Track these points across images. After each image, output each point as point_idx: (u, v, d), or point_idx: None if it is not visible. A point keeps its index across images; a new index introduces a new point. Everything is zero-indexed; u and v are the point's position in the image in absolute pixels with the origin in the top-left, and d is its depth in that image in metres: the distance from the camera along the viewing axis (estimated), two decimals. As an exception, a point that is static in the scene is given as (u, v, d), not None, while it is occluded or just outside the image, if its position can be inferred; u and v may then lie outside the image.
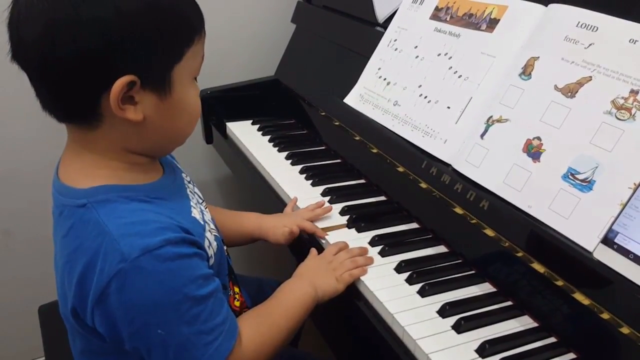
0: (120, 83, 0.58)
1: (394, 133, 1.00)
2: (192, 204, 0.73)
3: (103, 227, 0.60)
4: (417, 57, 1.02)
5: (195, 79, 0.69)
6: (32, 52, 0.58)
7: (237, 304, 0.83)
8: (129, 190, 0.64)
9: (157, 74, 0.61)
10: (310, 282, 0.81)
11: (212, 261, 0.70)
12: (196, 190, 0.80)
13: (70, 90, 0.60)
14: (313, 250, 0.89)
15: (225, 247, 0.84)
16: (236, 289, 0.84)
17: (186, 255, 0.62)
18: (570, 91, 0.74)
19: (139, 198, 0.64)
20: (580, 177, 0.70)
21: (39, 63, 0.58)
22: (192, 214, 0.70)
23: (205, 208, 0.79)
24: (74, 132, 0.65)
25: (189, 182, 0.79)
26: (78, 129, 0.64)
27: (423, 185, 0.91)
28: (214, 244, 0.72)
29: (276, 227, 0.94)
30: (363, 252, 0.86)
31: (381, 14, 1.17)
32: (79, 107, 0.61)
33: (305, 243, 0.94)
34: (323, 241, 0.92)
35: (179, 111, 0.66)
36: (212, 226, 0.76)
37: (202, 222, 0.71)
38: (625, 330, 0.62)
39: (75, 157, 0.66)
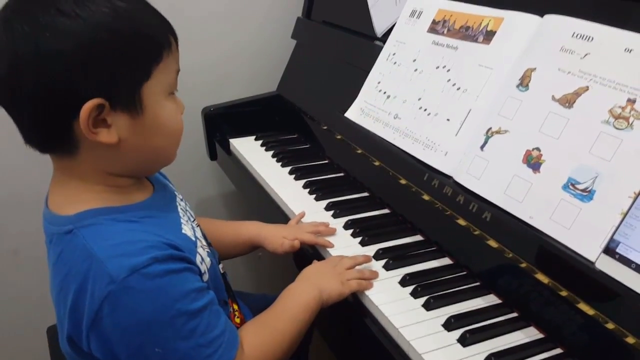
0: (87, 108, 0.58)
1: (395, 146, 1.00)
2: (182, 221, 0.73)
3: (89, 251, 0.60)
4: (415, 70, 1.03)
5: (174, 94, 0.68)
6: (2, 88, 0.59)
7: (237, 320, 0.82)
8: (115, 212, 0.65)
9: (126, 94, 0.61)
10: (315, 284, 0.80)
11: (206, 277, 0.70)
12: (188, 208, 0.80)
13: (42, 122, 0.61)
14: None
15: (221, 265, 0.84)
16: (235, 306, 0.84)
17: (175, 270, 0.62)
18: (567, 101, 0.75)
19: (125, 219, 0.64)
20: (581, 187, 0.70)
21: (10, 98, 0.60)
22: (183, 231, 0.71)
23: (197, 226, 0.79)
24: (57, 161, 0.66)
25: (181, 200, 0.79)
26: (59, 157, 0.65)
27: (425, 197, 0.91)
28: (207, 259, 0.72)
29: (275, 236, 0.94)
30: (367, 259, 0.86)
31: (380, 28, 1.19)
32: (53, 136, 0.62)
33: (311, 259, 0.94)
34: (328, 250, 0.92)
35: (155, 129, 0.65)
36: (204, 243, 0.76)
37: (193, 239, 0.71)
38: (630, 340, 0.62)
39: (61, 186, 0.67)
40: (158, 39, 0.64)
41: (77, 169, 0.65)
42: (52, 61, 0.57)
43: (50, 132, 0.62)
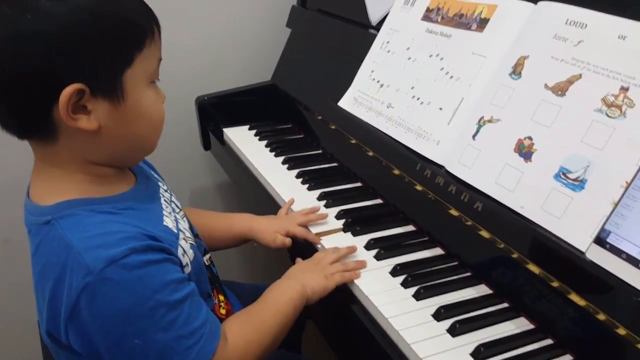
0: (66, 93, 0.57)
1: (388, 135, 0.99)
2: (164, 213, 0.72)
3: (67, 242, 0.59)
4: (409, 58, 1.01)
5: (155, 83, 0.68)
6: None
7: (222, 312, 0.82)
8: (94, 203, 0.64)
9: (107, 81, 0.61)
10: (299, 280, 0.80)
11: (188, 269, 0.69)
12: (174, 199, 0.79)
13: (20, 106, 0.60)
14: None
15: (208, 256, 0.83)
16: (221, 297, 0.83)
17: (154, 261, 0.61)
18: (560, 89, 0.74)
19: (104, 210, 0.63)
20: (572, 176, 0.69)
21: None
22: (164, 223, 0.70)
23: (182, 217, 0.78)
24: (36, 148, 0.65)
25: (166, 191, 0.78)
26: (38, 144, 0.64)
27: (418, 187, 0.91)
28: (190, 252, 0.71)
29: (267, 231, 0.94)
30: (351, 250, 0.86)
31: (374, 17, 1.17)
32: (32, 122, 0.61)
33: (303, 250, 0.93)
34: (318, 246, 0.92)
35: (136, 117, 0.65)
36: (189, 235, 0.75)
37: (175, 231, 0.70)
38: (621, 331, 0.62)
39: (40, 175, 0.66)
40: (141, 26, 0.63)
41: (56, 157, 0.64)
42: (32, 43, 0.56)
43: (28, 118, 0.61)
